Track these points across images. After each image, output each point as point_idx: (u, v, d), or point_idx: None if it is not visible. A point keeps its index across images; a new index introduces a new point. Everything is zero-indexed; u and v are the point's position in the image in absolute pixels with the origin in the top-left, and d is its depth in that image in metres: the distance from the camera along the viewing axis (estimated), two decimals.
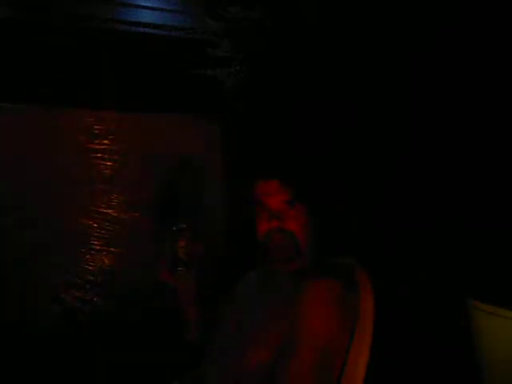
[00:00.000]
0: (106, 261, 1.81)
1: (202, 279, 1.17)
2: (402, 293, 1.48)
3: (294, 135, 1.45)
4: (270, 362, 0.93)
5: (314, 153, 1.14)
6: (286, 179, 1.01)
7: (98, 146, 1.82)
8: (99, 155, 1.82)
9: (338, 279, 0.97)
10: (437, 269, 1.49)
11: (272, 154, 1.16)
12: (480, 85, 1.39)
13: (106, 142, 1.83)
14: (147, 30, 1.91)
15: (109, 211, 1.82)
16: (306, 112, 1.55)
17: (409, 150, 1.51)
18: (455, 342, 1.41)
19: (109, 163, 1.83)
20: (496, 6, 1.32)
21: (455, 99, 1.44)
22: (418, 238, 1.51)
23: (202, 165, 1.97)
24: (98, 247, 1.80)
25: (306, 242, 1.03)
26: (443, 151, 1.47)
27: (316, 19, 1.54)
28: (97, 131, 1.82)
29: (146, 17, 1.91)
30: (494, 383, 1.29)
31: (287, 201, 1.01)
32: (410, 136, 1.50)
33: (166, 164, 1.92)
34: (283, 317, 0.95)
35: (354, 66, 1.51)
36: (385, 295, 1.07)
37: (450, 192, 1.47)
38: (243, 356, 0.98)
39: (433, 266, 1.49)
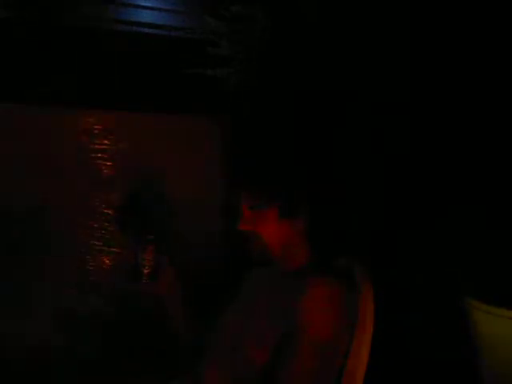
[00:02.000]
0: (106, 261, 1.81)
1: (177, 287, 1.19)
2: (402, 293, 1.48)
3: (263, 140, 1.46)
4: (271, 362, 0.93)
5: (273, 158, 1.15)
6: (245, 185, 1.06)
7: (98, 146, 1.82)
8: (99, 155, 1.82)
9: (338, 279, 0.98)
10: (436, 269, 1.49)
11: (237, 162, 1.17)
12: (480, 84, 1.40)
13: (106, 142, 1.83)
14: (147, 30, 1.90)
15: (109, 211, 1.82)
16: (299, 111, 1.56)
17: (408, 149, 1.51)
18: (455, 342, 1.41)
19: (109, 163, 1.83)
20: (494, 7, 1.32)
21: (455, 97, 1.44)
22: (418, 238, 1.51)
23: (201, 166, 1.97)
24: (98, 247, 1.80)
25: (280, 244, 1.06)
26: (443, 151, 1.48)
27: (316, 19, 1.54)
28: (97, 131, 1.82)
29: (146, 17, 1.90)
30: (494, 382, 1.29)
31: (251, 206, 1.05)
32: (410, 135, 1.50)
33: (165, 164, 1.92)
34: (283, 316, 0.96)
35: (354, 65, 1.51)
36: (385, 295, 1.08)
37: (449, 192, 1.47)
38: (244, 356, 0.98)
39: (432, 265, 1.49)
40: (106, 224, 1.81)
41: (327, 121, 1.55)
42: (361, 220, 1.53)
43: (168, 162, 1.91)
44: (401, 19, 1.45)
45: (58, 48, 1.78)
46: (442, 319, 1.46)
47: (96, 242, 1.79)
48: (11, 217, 1.69)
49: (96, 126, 1.81)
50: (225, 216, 1.96)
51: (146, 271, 1.14)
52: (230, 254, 1.95)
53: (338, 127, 1.55)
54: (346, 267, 1.10)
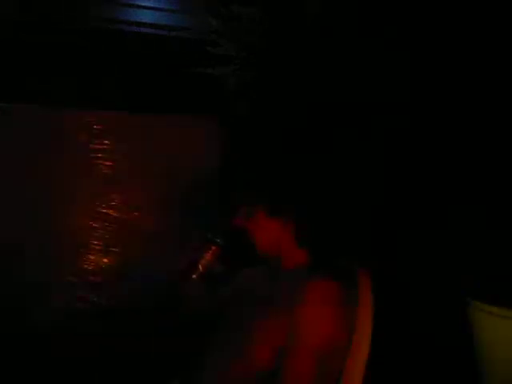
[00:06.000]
0: (106, 261, 1.81)
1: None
2: (402, 293, 1.48)
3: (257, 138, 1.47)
4: (270, 363, 0.93)
5: (261, 156, 1.16)
6: (239, 183, 1.07)
7: (98, 146, 1.82)
8: (99, 155, 1.82)
9: (338, 280, 0.98)
10: (437, 269, 1.49)
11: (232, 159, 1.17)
12: (480, 84, 1.39)
13: (106, 142, 1.83)
14: (147, 30, 1.90)
15: (109, 211, 1.82)
16: (294, 111, 1.56)
17: (409, 150, 1.51)
18: (455, 342, 1.41)
19: (109, 163, 1.83)
20: (494, 8, 1.32)
21: (455, 98, 1.44)
22: (418, 238, 1.51)
23: (201, 166, 1.97)
24: (98, 247, 1.80)
25: (270, 244, 1.06)
26: (443, 151, 1.47)
27: (316, 18, 1.54)
28: (97, 131, 1.82)
29: (146, 17, 1.90)
30: (494, 383, 1.29)
31: (243, 204, 1.07)
32: (410, 136, 1.50)
33: (165, 164, 1.92)
34: (283, 317, 0.95)
35: (354, 65, 1.51)
36: (385, 295, 1.08)
37: (450, 192, 1.47)
38: (244, 356, 0.98)
39: (433, 265, 1.49)
40: (106, 224, 1.81)
41: (327, 120, 1.55)
42: (361, 220, 1.52)
43: (167, 162, 1.91)
44: (401, 20, 1.45)
45: (59, 48, 1.78)
46: (442, 319, 1.46)
47: (96, 242, 1.79)
48: (11, 216, 1.70)
49: (96, 126, 1.81)
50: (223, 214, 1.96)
51: (200, 270, 1.12)
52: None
53: (338, 127, 1.55)
54: (345, 268, 1.10)
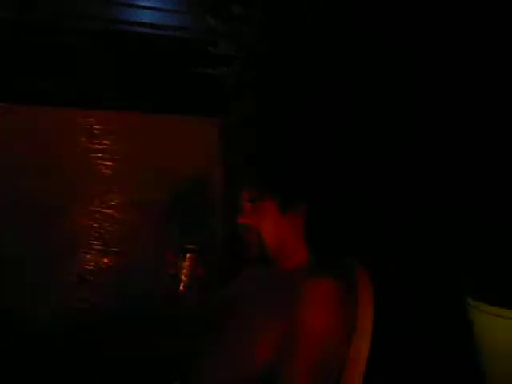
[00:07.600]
0: (106, 261, 1.81)
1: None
2: (402, 293, 1.48)
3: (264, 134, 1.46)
4: (271, 362, 0.93)
5: (275, 151, 1.16)
6: (247, 178, 1.06)
7: (98, 146, 1.82)
8: (99, 155, 1.82)
9: (337, 279, 0.98)
10: (437, 269, 1.49)
11: (237, 153, 1.17)
12: (480, 84, 1.40)
13: (105, 142, 1.83)
14: (147, 30, 1.91)
15: (109, 211, 1.82)
16: (301, 110, 1.56)
17: (409, 148, 1.51)
18: (455, 342, 1.42)
19: (109, 163, 1.83)
20: (494, 8, 1.33)
21: (455, 98, 1.44)
22: (418, 238, 1.51)
23: (201, 165, 1.97)
24: (98, 247, 1.80)
25: (277, 241, 1.06)
26: (443, 151, 1.48)
27: (316, 19, 1.54)
28: (97, 131, 1.82)
29: (146, 17, 1.91)
30: (494, 382, 1.29)
31: (250, 199, 1.05)
32: (410, 135, 1.50)
33: (165, 164, 1.92)
34: (283, 317, 0.95)
35: (354, 65, 1.51)
36: (385, 295, 1.08)
37: (450, 192, 1.47)
38: (243, 356, 0.98)
39: (433, 265, 1.49)
40: (106, 224, 1.81)
41: (327, 120, 1.55)
42: (361, 220, 1.53)
43: (168, 163, 1.91)
44: (401, 20, 1.45)
45: (59, 48, 1.78)
46: (442, 319, 1.46)
47: (96, 242, 1.79)
48: (10, 216, 1.70)
49: (96, 126, 1.81)
50: (225, 215, 1.96)
51: (184, 280, 1.12)
52: (231, 252, 1.95)
53: (337, 126, 1.55)
54: (345, 267, 1.10)
